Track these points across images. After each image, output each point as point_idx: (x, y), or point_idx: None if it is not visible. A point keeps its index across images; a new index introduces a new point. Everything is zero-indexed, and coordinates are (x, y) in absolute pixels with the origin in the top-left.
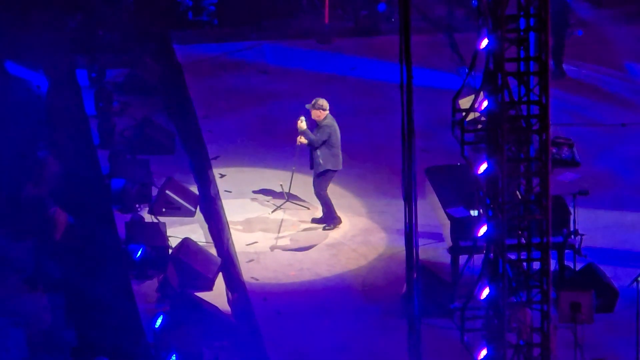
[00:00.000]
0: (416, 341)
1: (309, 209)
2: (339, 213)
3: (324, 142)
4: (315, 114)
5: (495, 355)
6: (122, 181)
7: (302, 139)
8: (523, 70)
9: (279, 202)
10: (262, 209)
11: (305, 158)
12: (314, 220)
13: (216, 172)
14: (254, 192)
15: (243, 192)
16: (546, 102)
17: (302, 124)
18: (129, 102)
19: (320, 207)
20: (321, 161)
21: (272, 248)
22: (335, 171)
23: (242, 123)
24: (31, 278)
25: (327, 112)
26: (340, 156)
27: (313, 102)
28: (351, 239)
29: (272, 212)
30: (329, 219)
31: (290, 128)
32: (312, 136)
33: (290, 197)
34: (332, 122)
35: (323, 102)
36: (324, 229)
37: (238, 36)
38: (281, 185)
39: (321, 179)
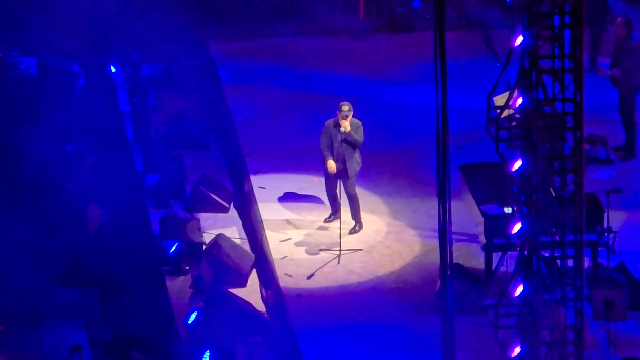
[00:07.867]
0: (450, 338)
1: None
2: (372, 210)
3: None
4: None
5: (529, 353)
6: (156, 177)
7: (346, 127)
8: (558, 67)
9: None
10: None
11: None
12: (352, 232)
13: (250, 168)
14: (287, 190)
15: (277, 188)
16: (580, 99)
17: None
18: (163, 97)
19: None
20: (359, 161)
21: (306, 245)
22: None
23: (275, 118)
24: (66, 273)
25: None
26: None
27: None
28: (385, 237)
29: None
30: (359, 220)
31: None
32: (356, 136)
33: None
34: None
35: (344, 107)
36: (349, 232)
37: (271, 32)
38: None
39: (354, 178)
